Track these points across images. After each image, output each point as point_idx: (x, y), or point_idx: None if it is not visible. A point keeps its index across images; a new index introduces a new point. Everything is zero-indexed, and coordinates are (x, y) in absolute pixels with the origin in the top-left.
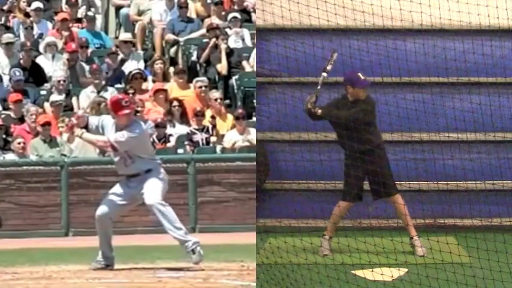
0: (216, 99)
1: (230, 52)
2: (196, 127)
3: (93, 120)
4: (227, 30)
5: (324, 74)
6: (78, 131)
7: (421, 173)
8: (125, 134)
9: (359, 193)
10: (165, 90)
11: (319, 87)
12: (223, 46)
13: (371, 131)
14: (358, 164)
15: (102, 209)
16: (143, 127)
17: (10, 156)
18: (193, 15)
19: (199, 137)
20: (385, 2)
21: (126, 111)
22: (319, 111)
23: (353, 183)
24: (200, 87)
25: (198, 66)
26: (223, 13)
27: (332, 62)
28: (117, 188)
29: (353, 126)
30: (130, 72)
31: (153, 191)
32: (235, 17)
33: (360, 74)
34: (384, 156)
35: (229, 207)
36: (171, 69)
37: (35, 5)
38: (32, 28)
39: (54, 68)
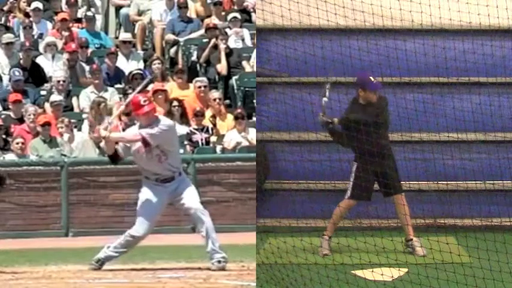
0: (215, 99)
1: (230, 52)
2: (196, 127)
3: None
4: (227, 30)
5: (325, 98)
6: (104, 132)
7: (421, 173)
8: (154, 127)
9: (367, 194)
10: (164, 91)
11: (323, 103)
12: (222, 46)
13: (381, 132)
14: (369, 165)
15: (145, 229)
16: (170, 121)
17: (10, 156)
18: (193, 15)
19: (199, 137)
20: (385, 2)
21: (146, 109)
22: (335, 119)
23: (363, 185)
24: (200, 87)
25: (198, 66)
26: (223, 13)
27: (328, 91)
28: (153, 199)
29: (365, 129)
30: (130, 72)
31: (194, 197)
32: (235, 17)
33: (371, 77)
34: (392, 156)
35: (229, 207)
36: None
37: (34, 5)
38: (31, 28)
39: (54, 68)
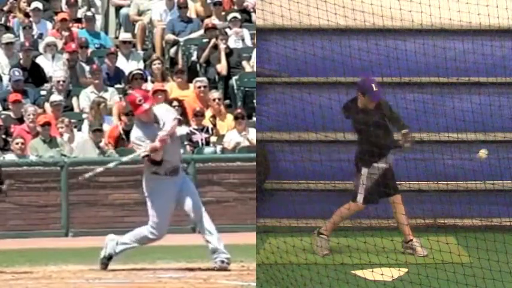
0: (214, 100)
1: (230, 52)
2: (196, 127)
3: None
4: (227, 30)
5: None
6: (165, 134)
7: (421, 173)
8: (166, 112)
9: (378, 197)
10: (164, 91)
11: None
12: (222, 46)
13: (380, 132)
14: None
15: (163, 230)
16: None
17: (10, 156)
18: (193, 16)
19: (199, 137)
20: (385, 2)
21: (146, 106)
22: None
23: (376, 188)
24: (200, 87)
25: (198, 66)
26: (223, 13)
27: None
28: (165, 198)
29: (375, 132)
30: (130, 72)
31: (196, 200)
32: (235, 17)
33: (373, 85)
34: None
35: (229, 207)
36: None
37: (34, 5)
38: (31, 28)
39: (54, 68)
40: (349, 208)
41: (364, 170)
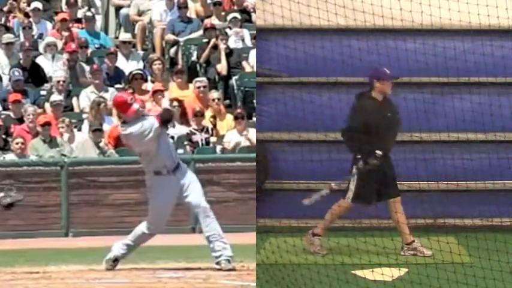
0: (214, 100)
1: (230, 52)
2: (196, 127)
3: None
4: (227, 30)
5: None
6: None
7: (421, 173)
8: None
9: (370, 198)
10: (164, 91)
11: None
12: (222, 46)
13: (391, 133)
14: (380, 168)
15: (160, 227)
16: None
17: (10, 156)
18: (193, 16)
19: (199, 137)
20: (385, 2)
21: (136, 106)
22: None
23: (370, 187)
24: (199, 87)
25: (198, 66)
26: (223, 13)
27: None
28: (166, 196)
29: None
30: (130, 72)
31: (199, 194)
32: (235, 17)
33: (385, 69)
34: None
35: (229, 207)
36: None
37: (34, 5)
38: (31, 28)
39: (54, 68)
40: (339, 205)
41: (356, 167)
